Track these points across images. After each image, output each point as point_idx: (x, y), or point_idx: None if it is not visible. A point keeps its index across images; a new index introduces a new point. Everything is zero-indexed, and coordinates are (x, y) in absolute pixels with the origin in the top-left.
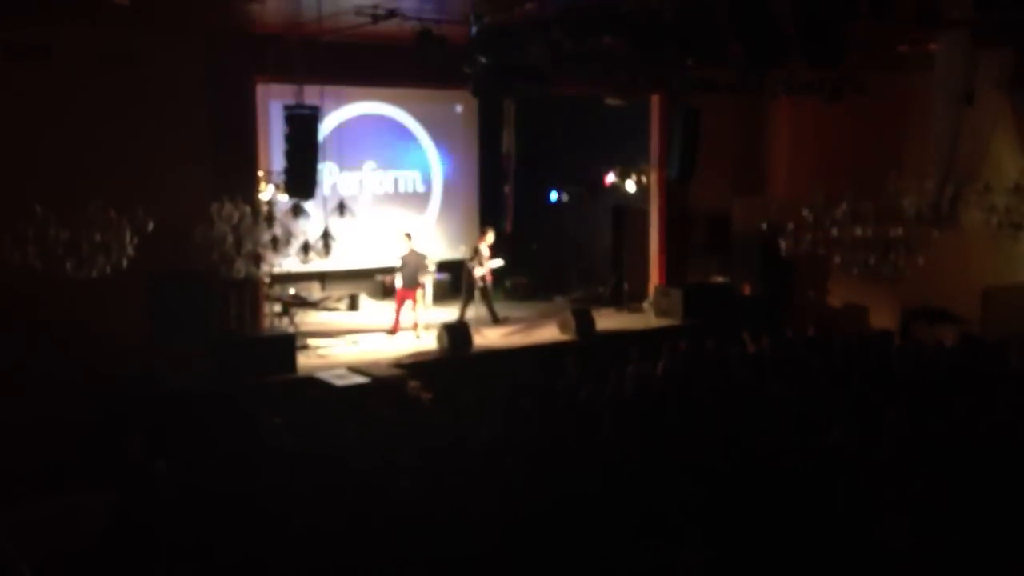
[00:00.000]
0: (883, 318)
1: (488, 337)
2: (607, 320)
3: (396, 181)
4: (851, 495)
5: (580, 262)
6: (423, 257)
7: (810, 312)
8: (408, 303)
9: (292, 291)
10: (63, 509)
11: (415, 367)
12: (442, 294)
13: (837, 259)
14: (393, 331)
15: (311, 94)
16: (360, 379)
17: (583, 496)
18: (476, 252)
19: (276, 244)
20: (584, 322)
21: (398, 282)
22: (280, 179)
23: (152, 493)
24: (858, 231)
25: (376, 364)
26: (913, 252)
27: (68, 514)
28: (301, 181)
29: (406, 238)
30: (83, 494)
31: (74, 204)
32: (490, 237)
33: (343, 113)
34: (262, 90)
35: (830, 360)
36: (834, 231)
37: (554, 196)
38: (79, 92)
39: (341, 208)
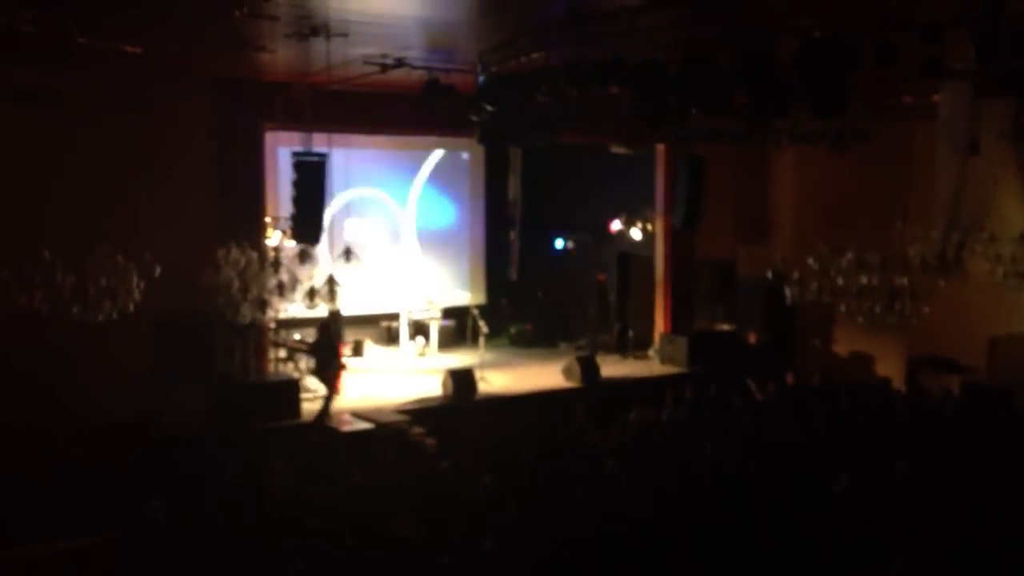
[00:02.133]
0: (889, 367)
1: (492, 383)
2: (612, 367)
3: (401, 228)
4: (857, 543)
5: (585, 309)
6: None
7: (815, 360)
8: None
9: (297, 336)
10: (68, 552)
11: (419, 413)
12: (447, 340)
13: (842, 308)
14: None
15: (319, 141)
16: (363, 425)
17: (586, 542)
18: (602, 289)
19: (282, 289)
20: (589, 369)
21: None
22: (287, 225)
23: (154, 536)
24: (863, 280)
25: (380, 410)
26: (919, 301)
27: (73, 557)
28: (308, 227)
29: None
30: (87, 537)
31: (81, 249)
32: None
33: (351, 158)
34: (270, 137)
35: (836, 408)
36: (839, 280)
37: (559, 244)
38: (89, 137)
39: (347, 254)
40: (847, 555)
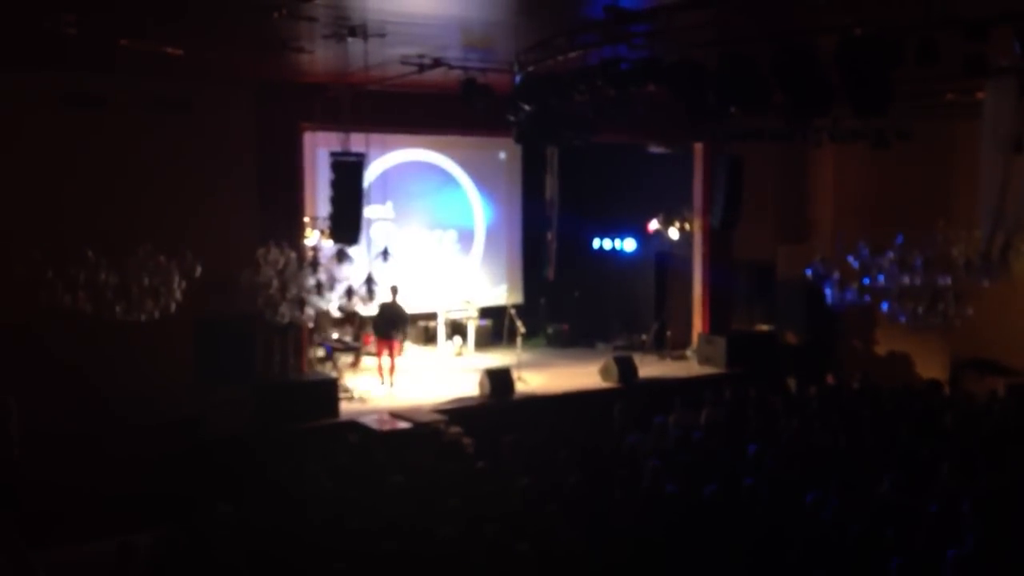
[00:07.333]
0: (932, 369)
1: (530, 383)
2: (649, 368)
3: (440, 227)
4: (901, 550)
5: (623, 309)
6: (400, 311)
7: (856, 362)
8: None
9: (335, 336)
10: (109, 550)
11: (456, 412)
12: (484, 340)
13: (884, 308)
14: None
15: (357, 141)
16: (401, 424)
17: (625, 544)
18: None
19: (320, 289)
20: (626, 369)
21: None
22: (325, 225)
23: (203, 536)
24: (905, 280)
25: (417, 409)
26: (962, 302)
27: (115, 555)
28: (346, 227)
29: (391, 291)
30: (129, 535)
31: (124, 249)
32: None
33: (388, 159)
34: (309, 137)
35: (878, 410)
36: (881, 280)
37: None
38: (132, 139)
39: (385, 254)
40: (890, 563)
